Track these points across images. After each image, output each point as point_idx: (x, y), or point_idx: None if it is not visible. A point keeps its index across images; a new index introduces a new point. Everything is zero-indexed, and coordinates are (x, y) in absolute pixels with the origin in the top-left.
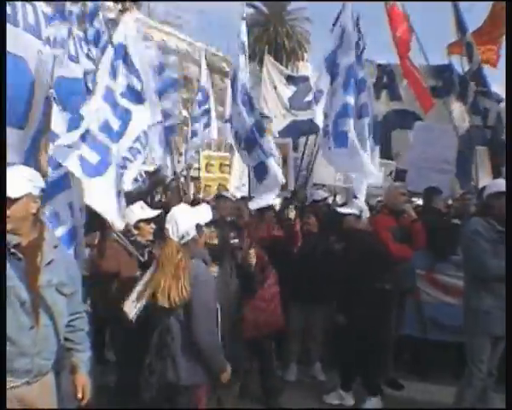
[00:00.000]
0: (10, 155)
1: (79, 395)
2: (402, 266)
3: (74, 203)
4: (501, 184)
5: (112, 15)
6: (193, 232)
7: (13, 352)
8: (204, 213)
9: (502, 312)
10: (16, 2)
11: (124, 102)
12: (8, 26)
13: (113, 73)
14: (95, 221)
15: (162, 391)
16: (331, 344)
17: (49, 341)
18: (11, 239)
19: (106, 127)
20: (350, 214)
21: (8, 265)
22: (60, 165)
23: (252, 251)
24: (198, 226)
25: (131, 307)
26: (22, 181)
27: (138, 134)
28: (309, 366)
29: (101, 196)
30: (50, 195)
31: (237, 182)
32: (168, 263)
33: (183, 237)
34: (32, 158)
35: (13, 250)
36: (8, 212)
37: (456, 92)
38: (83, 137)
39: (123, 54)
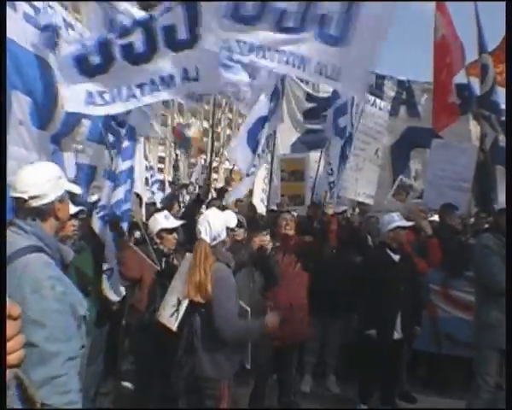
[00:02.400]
0: (33, 155)
1: None
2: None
3: None
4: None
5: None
6: (224, 234)
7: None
8: (232, 218)
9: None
10: (37, 4)
11: None
12: (31, 28)
13: None
14: None
15: (190, 384)
16: (348, 357)
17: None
18: (69, 254)
19: None
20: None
21: (68, 279)
22: None
23: (267, 237)
24: (227, 229)
25: (172, 319)
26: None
27: None
28: (324, 378)
29: None
30: None
31: (261, 194)
32: (201, 263)
33: (214, 238)
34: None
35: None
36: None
37: (473, 112)
38: None
39: None
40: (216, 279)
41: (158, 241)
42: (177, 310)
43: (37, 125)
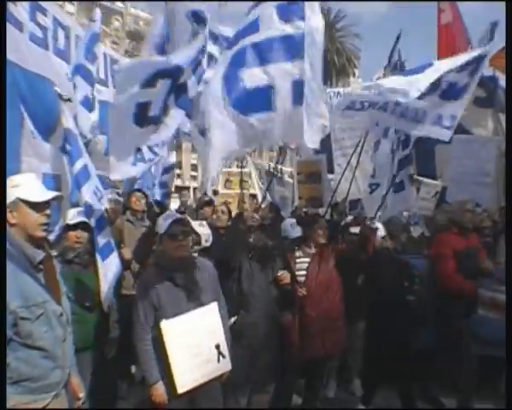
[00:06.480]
0: (46, 164)
1: (81, 395)
2: None
3: None
4: None
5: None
6: None
7: (48, 367)
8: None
9: None
10: (47, 25)
11: None
12: (38, 48)
13: None
14: None
15: None
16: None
17: (71, 349)
18: (37, 254)
19: None
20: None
21: (34, 281)
22: None
23: (284, 273)
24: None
25: None
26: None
27: None
28: (348, 383)
29: None
30: None
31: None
32: None
33: None
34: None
35: (41, 266)
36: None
37: (500, 105)
38: None
39: None
40: None
41: None
42: None
43: (41, 138)
